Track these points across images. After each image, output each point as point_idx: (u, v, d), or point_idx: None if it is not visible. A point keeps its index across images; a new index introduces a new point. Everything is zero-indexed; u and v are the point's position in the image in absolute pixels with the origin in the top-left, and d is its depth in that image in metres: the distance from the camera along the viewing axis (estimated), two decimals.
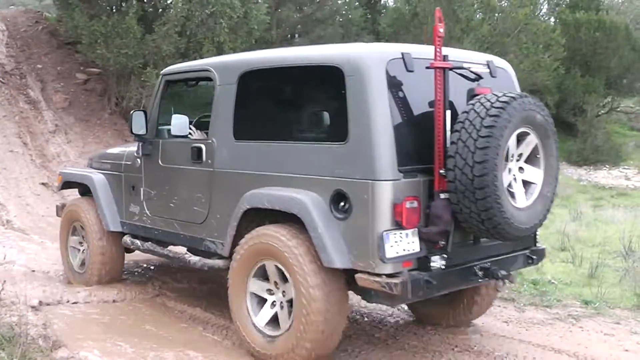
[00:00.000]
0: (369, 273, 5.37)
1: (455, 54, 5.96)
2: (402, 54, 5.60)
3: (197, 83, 7.85)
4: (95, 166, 8.74)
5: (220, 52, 17.59)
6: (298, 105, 6.47)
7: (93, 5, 17.55)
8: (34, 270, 9.12)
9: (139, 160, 7.80)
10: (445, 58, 5.51)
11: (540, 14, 33.13)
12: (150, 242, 7.80)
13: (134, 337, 6.77)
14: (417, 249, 5.42)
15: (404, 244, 5.34)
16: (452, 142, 5.32)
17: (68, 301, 7.82)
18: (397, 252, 5.30)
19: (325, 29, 23.94)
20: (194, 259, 7.10)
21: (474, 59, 6.26)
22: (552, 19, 34.05)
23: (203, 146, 6.82)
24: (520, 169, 5.67)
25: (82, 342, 6.50)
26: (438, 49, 5.48)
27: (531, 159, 5.72)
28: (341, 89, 5.52)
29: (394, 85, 5.51)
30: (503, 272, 5.79)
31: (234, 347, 6.52)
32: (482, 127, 5.19)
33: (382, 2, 30.44)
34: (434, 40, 5.51)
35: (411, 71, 5.59)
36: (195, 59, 16.69)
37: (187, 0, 17.40)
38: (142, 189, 7.79)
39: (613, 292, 8.75)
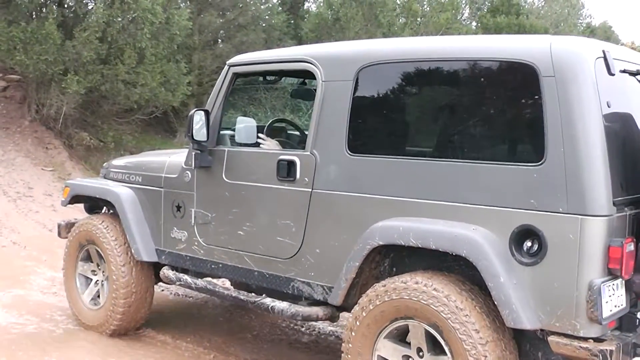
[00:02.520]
0: (568, 336, 4.14)
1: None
2: (604, 52, 4.39)
3: (280, 79, 6.58)
4: (116, 177, 7.28)
5: (141, 57, 17.52)
6: (460, 111, 4.98)
7: (11, 10, 17.23)
8: None
9: (189, 173, 6.33)
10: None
11: (462, 18, 33.78)
12: (207, 279, 6.45)
13: None
14: (624, 303, 4.31)
15: (616, 299, 4.20)
16: None
17: None
18: (611, 310, 4.15)
19: (247, 34, 23.92)
20: (281, 305, 5.62)
21: None
22: (474, 24, 34.71)
23: (297, 160, 5.46)
24: None
25: None
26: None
27: None
28: (534, 93, 4.30)
29: (603, 91, 4.29)
30: None
31: None
32: None
33: (304, 7, 30.53)
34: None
35: (613, 74, 4.35)
36: (116, 65, 16.71)
37: (108, 6, 17.26)
38: (192, 211, 6.29)
39: None
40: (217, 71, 23.53)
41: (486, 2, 35.42)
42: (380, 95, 5.22)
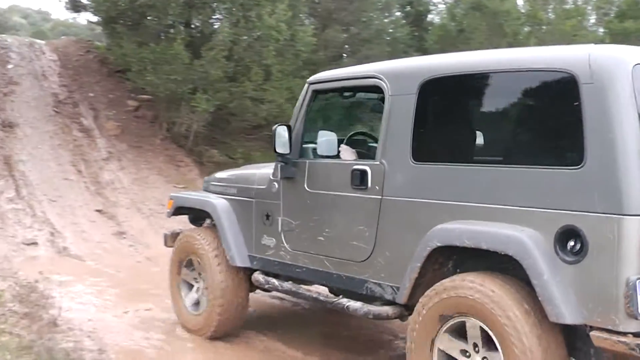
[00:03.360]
0: (609, 331, 4.29)
1: None
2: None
3: (355, 94, 6.90)
4: (215, 190, 7.80)
5: (268, 75, 17.74)
6: (508, 119, 5.42)
7: (140, 32, 17.76)
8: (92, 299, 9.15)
9: (276, 184, 6.75)
10: None
11: (588, 24, 32.79)
12: (291, 282, 6.78)
13: None
14: None
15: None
16: None
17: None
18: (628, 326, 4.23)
19: (371, 48, 23.91)
20: (355, 305, 5.98)
21: None
22: (601, 30, 33.66)
23: (368, 169, 5.79)
24: None
25: None
26: None
27: None
28: (574, 100, 4.52)
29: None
30: None
31: None
32: None
33: (428, 19, 30.32)
34: None
35: None
36: (243, 82, 16.93)
37: (233, 25, 17.58)
38: (279, 219, 6.69)
39: None
40: None
41: (613, 7, 34.25)
42: (439, 107, 5.68)
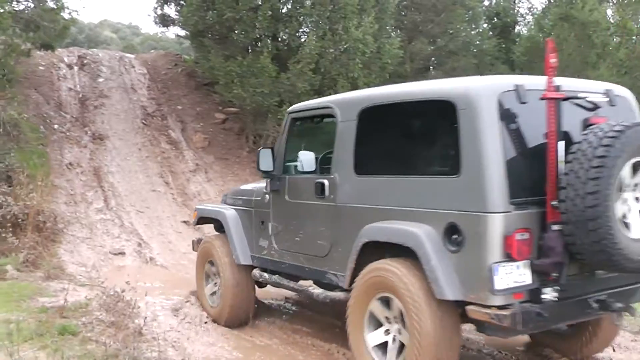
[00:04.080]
0: (479, 305, 5.37)
1: (570, 84, 5.87)
2: (516, 85, 5.57)
3: (321, 120, 7.76)
4: (228, 202, 9.04)
5: (354, 87, 17.69)
6: (414, 139, 6.40)
7: (228, 46, 17.94)
8: (177, 309, 9.22)
9: (267, 196, 8.00)
10: (558, 88, 5.46)
11: None
12: (277, 275, 7.96)
13: None
14: (529, 281, 5.36)
15: (514, 276, 5.30)
16: (564, 173, 5.28)
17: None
18: (507, 284, 5.26)
19: (458, 60, 23.73)
20: (317, 291, 7.26)
21: (591, 88, 6.15)
22: None
23: (326, 181, 6.96)
24: (637, 199, 5.46)
25: None
26: (550, 80, 5.43)
27: None
28: (454, 122, 5.55)
29: (507, 117, 5.49)
30: (619, 305, 5.69)
31: None
32: (594, 158, 5.13)
33: (515, 30, 29.94)
34: (546, 70, 5.48)
35: (524, 103, 5.54)
36: (329, 94, 16.91)
37: (320, 38, 17.59)
38: (270, 224, 7.95)
39: None
40: None
41: None
42: (370, 130, 6.64)
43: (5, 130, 14.80)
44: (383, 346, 6.12)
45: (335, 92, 17.02)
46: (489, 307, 5.27)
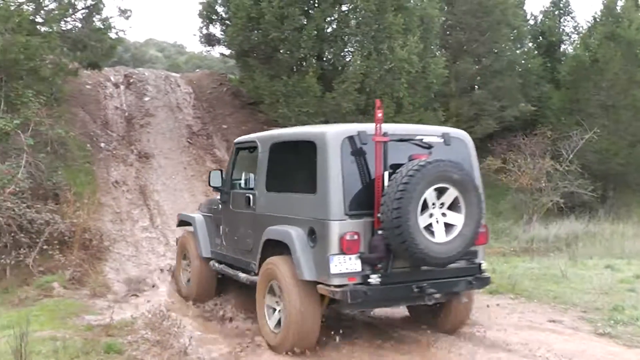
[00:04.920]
0: (324, 284, 7.42)
1: (409, 129, 8.41)
2: (358, 131, 7.55)
3: (254, 150, 9.44)
4: (201, 210, 11.23)
5: (399, 107, 17.67)
6: (295, 167, 8.50)
7: (273, 66, 18.00)
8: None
9: (220, 206, 10.13)
10: (385, 134, 7.42)
11: None
12: (223, 265, 9.94)
13: None
14: (359, 269, 7.37)
15: (347, 264, 7.32)
16: (383, 195, 7.25)
17: None
18: (340, 270, 7.30)
19: (503, 80, 23.57)
20: (243, 275, 9.12)
21: (429, 132, 8.18)
22: None
23: (251, 195, 9.04)
24: (444, 214, 7.47)
25: None
26: (378, 128, 7.36)
27: (454, 206, 7.48)
28: (314, 157, 7.64)
29: (347, 154, 7.52)
30: (432, 290, 7.58)
31: None
32: (400, 184, 7.10)
33: (561, 49, 29.71)
34: (375, 121, 7.39)
35: (365, 143, 7.50)
36: (373, 115, 16.88)
37: (365, 57, 17.57)
38: (222, 227, 10.06)
39: None
40: (474, 118, 23.20)
41: None
42: (274, 160, 8.73)
43: (52, 149, 14.90)
44: (273, 309, 8.18)
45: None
46: (330, 285, 7.33)
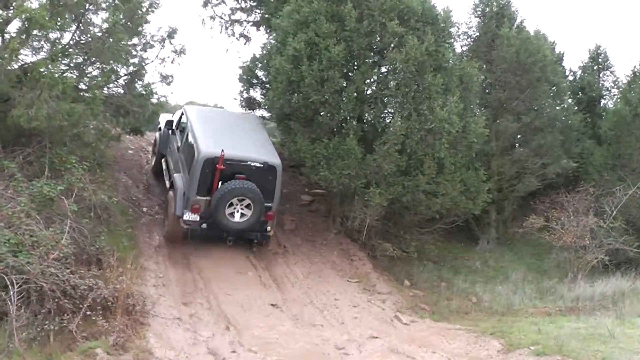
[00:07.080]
0: (184, 221, 16.00)
1: (243, 156, 16.19)
2: (214, 157, 15.63)
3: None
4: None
5: (440, 167, 17.63)
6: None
7: (314, 129, 18.07)
8: None
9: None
10: (224, 163, 15.68)
11: None
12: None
13: None
14: (197, 219, 15.90)
15: (192, 216, 15.83)
16: (214, 192, 15.72)
17: None
18: (188, 218, 15.87)
19: (544, 137, 23.42)
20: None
21: (255, 160, 16.25)
22: None
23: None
24: (242, 208, 15.84)
25: None
26: (220, 160, 15.45)
27: (250, 206, 15.87)
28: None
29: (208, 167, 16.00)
30: (231, 237, 16.50)
31: None
32: (221, 192, 15.55)
33: (601, 104, 29.50)
34: (219, 161, 15.54)
35: (216, 163, 15.66)
36: (416, 175, 16.92)
37: (405, 118, 17.59)
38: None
39: None
40: (516, 176, 23.00)
41: None
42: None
43: (95, 214, 15.06)
44: None
45: (422, 173, 17.10)
46: (185, 221, 15.97)
